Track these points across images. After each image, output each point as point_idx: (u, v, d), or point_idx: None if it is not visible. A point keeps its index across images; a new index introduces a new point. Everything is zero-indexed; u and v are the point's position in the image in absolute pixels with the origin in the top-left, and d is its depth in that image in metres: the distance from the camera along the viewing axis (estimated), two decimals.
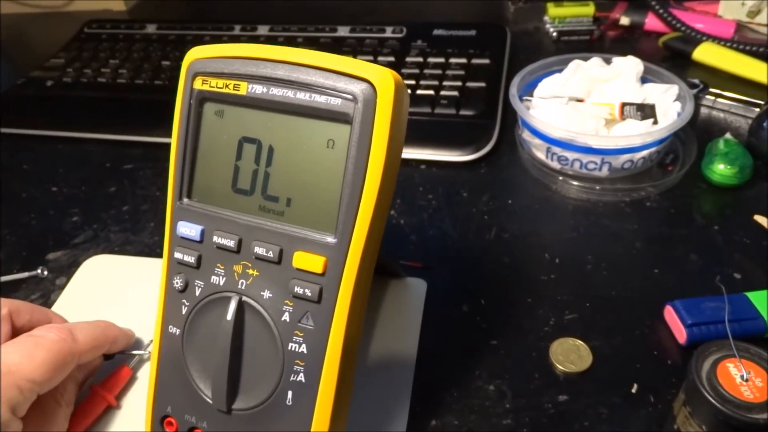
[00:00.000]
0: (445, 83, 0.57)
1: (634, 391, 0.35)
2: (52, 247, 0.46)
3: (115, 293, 0.42)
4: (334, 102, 0.25)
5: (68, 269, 0.44)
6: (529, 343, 0.37)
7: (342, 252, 0.26)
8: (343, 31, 0.66)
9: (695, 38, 0.62)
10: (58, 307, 0.41)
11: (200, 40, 0.68)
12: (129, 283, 0.42)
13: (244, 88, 0.27)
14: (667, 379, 0.35)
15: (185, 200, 0.28)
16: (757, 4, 0.63)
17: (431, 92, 0.56)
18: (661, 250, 0.43)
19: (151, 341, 0.37)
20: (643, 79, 0.51)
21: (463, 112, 0.54)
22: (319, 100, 0.25)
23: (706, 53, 0.60)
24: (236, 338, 0.27)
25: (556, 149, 0.47)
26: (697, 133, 0.50)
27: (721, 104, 0.55)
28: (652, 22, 0.66)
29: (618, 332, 0.38)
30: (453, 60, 0.60)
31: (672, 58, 0.62)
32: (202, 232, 0.28)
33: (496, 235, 0.45)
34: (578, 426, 0.33)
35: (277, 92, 0.26)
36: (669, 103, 0.48)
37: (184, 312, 0.28)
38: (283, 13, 0.79)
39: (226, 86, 0.27)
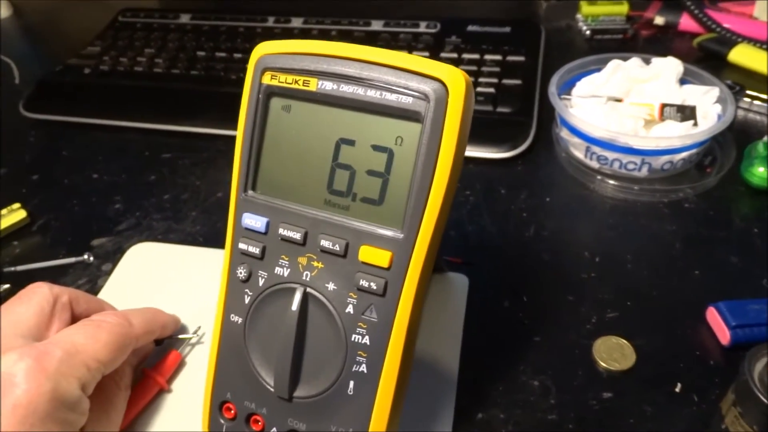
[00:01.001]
0: (480, 80, 0.57)
1: (677, 390, 0.35)
2: (96, 234, 0.47)
3: (161, 280, 0.42)
4: (405, 100, 0.26)
5: (113, 255, 0.45)
6: (571, 340, 0.38)
7: (408, 247, 0.26)
8: (377, 26, 0.67)
9: (731, 39, 0.62)
10: (105, 292, 0.42)
11: (234, 31, 0.68)
12: (174, 271, 0.43)
13: (314, 84, 0.27)
14: (710, 379, 0.35)
15: (250, 192, 0.29)
16: None
17: None
18: (700, 252, 0.43)
19: (199, 327, 0.38)
20: (682, 81, 0.52)
21: (500, 109, 0.54)
22: (390, 98, 0.26)
23: (742, 55, 0.60)
24: (300, 328, 0.28)
25: (595, 148, 0.48)
26: (734, 135, 0.50)
27: (757, 106, 0.55)
28: (686, 23, 0.66)
29: (660, 332, 0.38)
30: (488, 57, 0.60)
31: (706, 60, 0.62)
32: (268, 224, 0.28)
33: (535, 232, 0.45)
34: (624, 423, 0.34)
35: (348, 89, 0.26)
36: (709, 105, 0.49)
37: (247, 301, 0.29)
38: (313, 5, 0.79)
39: (296, 82, 0.27)
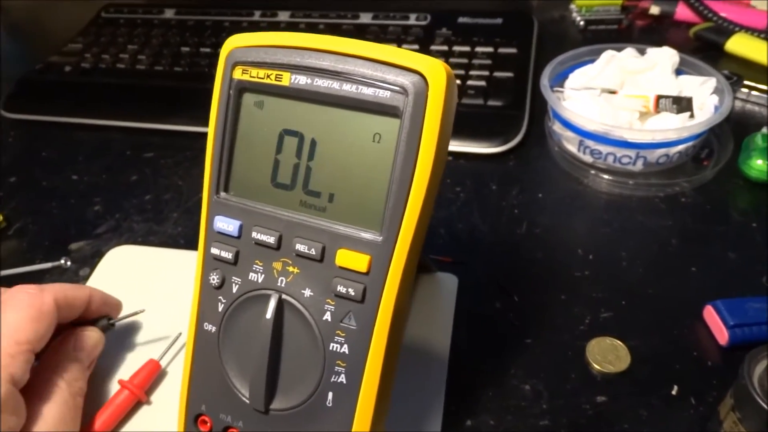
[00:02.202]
0: (471, 72, 0.56)
1: (674, 392, 0.34)
2: (74, 237, 0.46)
3: (139, 284, 0.41)
4: (383, 94, 0.24)
5: (91, 259, 0.44)
6: (564, 341, 0.37)
7: (388, 250, 0.25)
8: (365, 18, 0.65)
9: (728, 29, 0.60)
10: None
11: (219, 26, 0.66)
12: (153, 275, 0.42)
13: (287, 79, 0.26)
14: (708, 381, 0.34)
15: (222, 194, 0.28)
16: None
17: (458, 82, 0.55)
18: (697, 248, 0.42)
19: (180, 334, 0.37)
20: (678, 71, 0.50)
21: (491, 103, 0.53)
22: (367, 92, 0.24)
23: (739, 44, 0.59)
24: (275, 337, 0.26)
25: (589, 142, 0.46)
26: (731, 127, 0.49)
27: (755, 97, 0.54)
28: (682, 12, 0.64)
29: (656, 332, 0.37)
30: (479, 49, 0.59)
31: (703, 49, 0.60)
32: (240, 228, 0.27)
33: (527, 229, 0.44)
34: (618, 428, 0.32)
35: (322, 83, 0.25)
36: (705, 96, 0.47)
37: (220, 309, 0.27)
38: None
39: (268, 76, 0.26)
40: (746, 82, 0.54)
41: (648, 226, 0.44)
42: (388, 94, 0.24)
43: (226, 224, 0.27)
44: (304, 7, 0.68)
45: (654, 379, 0.34)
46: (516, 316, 0.38)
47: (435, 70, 0.24)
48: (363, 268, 0.25)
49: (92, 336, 0.34)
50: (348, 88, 0.25)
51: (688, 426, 0.32)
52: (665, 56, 0.50)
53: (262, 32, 0.27)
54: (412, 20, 0.64)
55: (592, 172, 0.47)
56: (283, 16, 0.67)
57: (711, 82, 0.47)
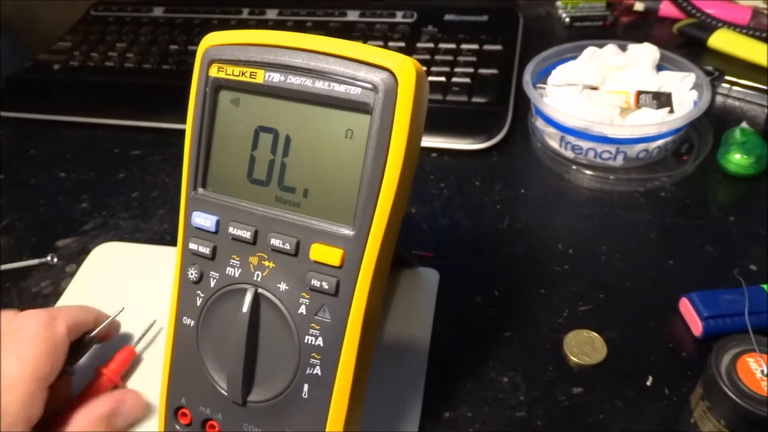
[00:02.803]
0: (456, 70, 0.56)
1: (649, 383, 0.34)
2: (61, 234, 0.46)
3: (126, 281, 0.41)
4: (354, 91, 0.25)
5: (78, 256, 0.44)
6: (543, 334, 0.37)
7: (360, 244, 0.25)
8: (352, 16, 0.65)
9: (711, 25, 0.61)
10: (68, 294, 0.41)
11: (208, 24, 0.67)
12: (139, 271, 0.42)
13: (261, 76, 0.26)
14: (682, 371, 0.35)
15: (200, 190, 0.28)
16: None
17: (443, 79, 0.55)
18: (675, 241, 0.42)
19: (154, 321, 0.37)
20: (659, 67, 0.51)
21: (475, 100, 0.53)
22: (338, 89, 0.25)
23: (721, 40, 0.59)
24: (252, 330, 0.27)
25: (570, 138, 0.47)
26: (712, 122, 0.50)
27: (736, 92, 0.54)
28: (666, 8, 0.65)
29: (632, 324, 0.37)
30: (465, 46, 0.59)
31: (687, 45, 0.61)
32: (218, 223, 0.27)
33: (509, 224, 0.45)
34: (593, 419, 0.33)
35: (295, 81, 0.25)
36: (685, 91, 0.48)
37: (198, 303, 0.28)
38: None
39: (243, 74, 0.26)
40: (728, 77, 0.55)
41: (628, 221, 0.44)
42: (359, 90, 0.25)
43: (204, 219, 0.28)
44: (292, 5, 0.68)
45: (629, 371, 0.35)
46: (496, 310, 0.39)
47: (404, 68, 0.24)
48: (336, 262, 0.25)
49: (136, 405, 0.33)
50: (320, 85, 0.25)
51: (662, 416, 0.33)
52: (646, 52, 0.50)
53: (238, 30, 0.27)
54: (399, 18, 0.64)
55: (574, 167, 0.48)
56: (271, 14, 0.67)
57: (691, 78, 0.48)
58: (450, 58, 0.58)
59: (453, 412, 0.34)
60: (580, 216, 0.45)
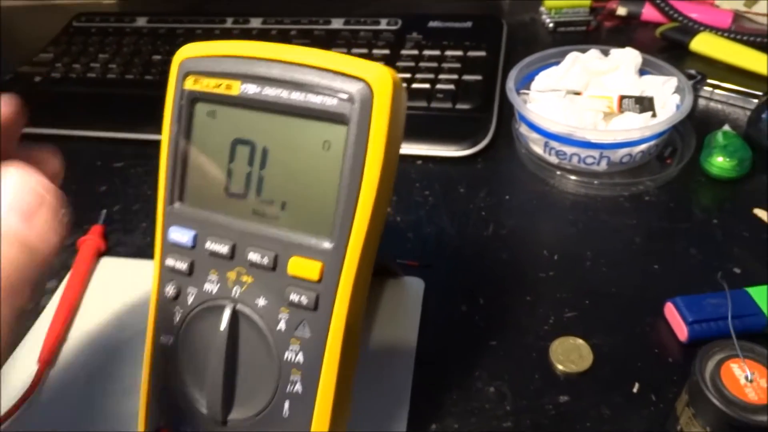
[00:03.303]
0: (441, 76, 0.56)
1: (635, 390, 0.34)
2: None
3: (107, 296, 0.41)
4: (330, 102, 0.24)
5: (59, 272, 0.44)
6: (528, 342, 0.37)
7: (339, 257, 0.25)
8: (337, 24, 0.65)
9: (693, 28, 0.61)
10: (47, 312, 0.40)
11: (192, 34, 0.66)
12: (121, 286, 0.41)
13: (237, 88, 0.26)
14: (668, 377, 0.35)
15: (177, 204, 0.28)
16: None
17: (427, 86, 0.55)
18: (660, 245, 0.42)
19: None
20: (642, 71, 0.51)
21: (459, 106, 0.53)
22: (314, 100, 0.24)
23: (703, 44, 0.59)
24: (231, 348, 0.26)
25: (554, 144, 0.47)
26: (695, 125, 0.50)
27: (719, 95, 0.55)
28: (649, 12, 0.65)
29: (618, 330, 0.37)
30: (449, 53, 0.59)
31: (669, 49, 0.61)
32: (195, 238, 0.27)
33: (493, 231, 0.44)
34: (580, 427, 0.33)
35: (271, 92, 0.25)
36: (668, 95, 0.48)
37: (176, 321, 0.27)
38: (276, 3, 0.77)
39: (218, 86, 0.26)
40: (710, 81, 0.55)
41: (612, 226, 0.44)
42: (335, 101, 0.24)
43: (181, 235, 0.27)
44: (276, 13, 0.68)
45: (616, 378, 0.35)
46: (481, 318, 0.39)
47: (381, 78, 0.24)
48: (315, 276, 0.25)
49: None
50: (296, 97, 0.25)
51: (648, 423, 0.33)
52: (628, 57, 0.50)
53: (214, 42, 0.27)
54: (383, 25, 0.64)
55: (558, 173, 0.48)
56: (255, 22, 0.67)
57: (672, 82, 0.48)
58: (434, 64, 0.58)
59: (439, 424, 0.33)
60: (564, 221, 0.45)
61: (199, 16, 0.69)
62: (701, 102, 0.55)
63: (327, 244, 0.25)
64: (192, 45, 0.27)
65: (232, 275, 0.26)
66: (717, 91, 0.54)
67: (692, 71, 0.55)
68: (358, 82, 0.24)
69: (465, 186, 0.48)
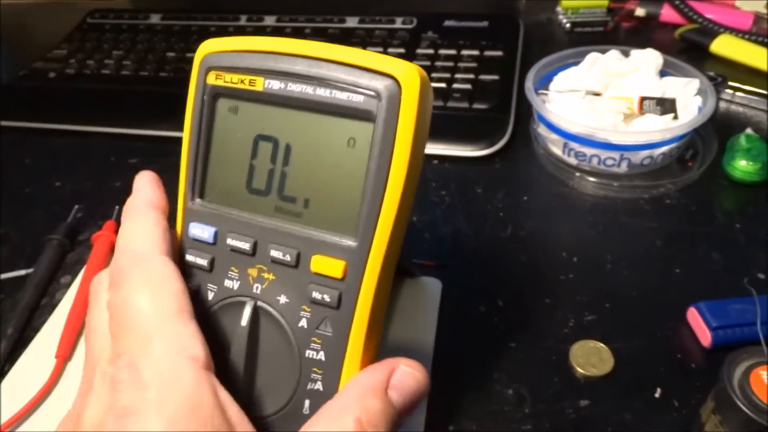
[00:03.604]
0: (457, 76, 0.56)
1: (657, 395, 0.34)
2: None
3: None
4: (357, 99, 0.24)
5: (72, 267, 0.43)
6: (548, 345, 0.36)
7: (362, 256, 0.24)
8: (351, 22, 0.65)
9: (713, 30, 0.60)
10: (62, 307, 0.40)
11: (206, 31, 0.66)
12: None
13: (261, 84, 0.25)
14: (691, 383, 0.34)
15: (198, 200, 0.27)
16: None
17: (443, 85, 0.55)
18: (682, 249, 0.42)
19: None
20: (662, 73, 0.50)
21: (476, 106, 0.53)
22: (340, 96, 0.24)
23: (724, 46, 0.59)
24: (251, 344, 0.26)
25: (573, 145, 0.46)
26: (716, 128, 0.49)
27: (740, 98, 0.54)
28: (668, 13, 0.65)
29: (639, 334, 0.37)
30: (465, 52, 0.58)
31: (689, 51, 0.61)
32: (216, 234, 0.27)
33: (512, 232, 0.44)
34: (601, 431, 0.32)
35: (296, 88, 0.25)
36: (689, 97, 0.47)
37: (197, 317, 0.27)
38: (291, 1, 0.77)
39: (242, 81, 0.26)
40: (731, 83, 0.54)
41: (633, 228, 0.43)
42: (361, 98, 0.24)
43: (201, 231, 0.27)
44: (291, 11, 0.68)
45: (637, 382, 0.34)
46: (500, 320, 0.38)
47: (409, 75, 0.24)
48: (338, 274, 0.25)
49: (414, 375, 0.26)
50: (322, 93, 0.24)
51: (671, 428, 0.32)
52: (649, 58, 0.50)
53: (236, 37, 0.26)
54: (399, 24, 0.64)
55: (578, 174, 0.47)
56: (270, 20, 0.67)
57: (694, 84, 0.47)
58: (450, 64, 0.57)
59: (457, 426, 0.33)
60: (584, 223, 0.44)
61: (212, 13, 0.69)
62: (722, 104, 0.54)
63: (351, 243, 0.25)
64: (214, 40, 0.27)
65: (253, 272, 0.26)
66: (738, 93, 0.54)
67: (712, 73, 0.55)
68: (385, 78, 0.24)
69: (482, 186, 0.48)
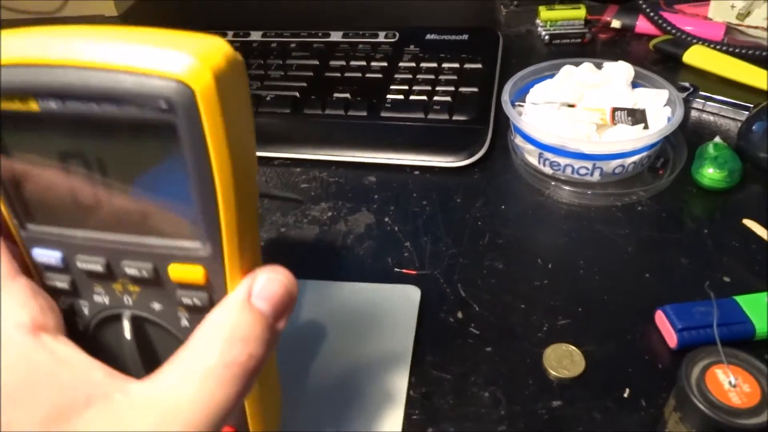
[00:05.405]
0: (438, 88, 0.57)
1: (626, 395, 0.35)
2: None
3: None
4: (150, 114, 0.20)
5: None
6: (523, 349, 0.38)
7: (217, 258, 0.23)
8: (335, 36, 0.67)
9: (685, 41, 0.63)
10: None
11: None
12: None
13: (36, 105, 0.21)
14: (658, 383, 0.35)
15: (30, 225, 0.24)
16: (747, 5, 0.63)
17: (424, 98, 0.56)
18: (652, 255, 0.43)
19: None
20: (634, 84, 0.52)
21: (456, 117, 0.55)
22: (131, 111, 0.20)
23: (695, 56, 0.61)
24: (143, 349, 0.25)
25: (548, 155, 0.48)
26: (687, 137, 0.51)
27: (710, 107, 0.56)
28: (642, 25, 0.67)
29: (610, 337, 0.38)
30: (446, 65, 0.60)
31: (663, 61, 0.63)
32: (63, 259, 0.25)
33: (489, 240, 0.45)
34: (572, 431, 0.34)
35: (78, 106, 0.20)
36: (659, 107, 0.49)
37: (81, 331, 0.26)
38: (276, 16, 0.79)
39: (14, 102, 0.21)
40: (702, 93, 0.56)
41: (605, 235, 0.45)
42: (154, 113, 0.20)
43: (47, 257, 0.25)
44: (276, 26, 0.69)
45: (607, 383, 0.36)
46: (477, 325, 0.40)
47: (198, 75, 0.19)
48: (200, 281, 0.23)
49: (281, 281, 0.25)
50: (109, 109, 0.20)
51: (638, 427, 0.34)
52: (621, 70, 0.51)
53: (6, 33, 0.22)
54: (381, 38, 0.66)
55: (553, 183, 0.49)
56: (256, 35, 0.69)
57: (664, 94, 0.49)
58: (431, 77, 0.59)
59: (435, 428, 0.34)
60: (559, 231, 0.46)
61: (199, 29, 0.70)
62: (693, 113, 0.56)
63: (201, 247, 0.23)
64: None
65: (118, 287, 0.25)
66: (709, 102, 0.55)
67: (685, 83, 0.57)
68: (172, 82, 0.19)
69: (461, 196, 0.49)
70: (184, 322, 0.25)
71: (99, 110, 0.20)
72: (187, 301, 0.24)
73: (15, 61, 0.21)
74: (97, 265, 0.24)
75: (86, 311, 0.26)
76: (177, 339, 0.25)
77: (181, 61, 0.20)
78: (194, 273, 0.23)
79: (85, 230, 0.24)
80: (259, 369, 0.23)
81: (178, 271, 0.23)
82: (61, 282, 0.25)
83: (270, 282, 0.24)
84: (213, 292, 0.24)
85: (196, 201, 0.22)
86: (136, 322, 0.25)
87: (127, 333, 0.25)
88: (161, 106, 0.20)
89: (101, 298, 0.25)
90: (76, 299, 0.26)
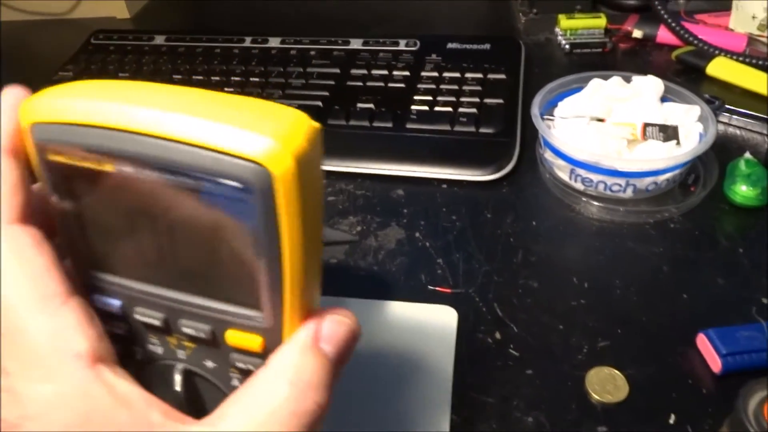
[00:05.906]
0: (462, 99, 0.57)
1: (672, 422, 0.35)
2: None
3: None
4: (227, 192, 0.20)
5: None
6: (564, 371, 0.38)
7: (276, 329, 0.23)
8: (356, 44, 0.66)
9: (708, 52, 0.62)
10: None
11: (210, 53, 0.67)
12: None
13: (111, 166, 0.21)
14: (704, 409, 0.35)
15: (92, 272, 0.25)
16: None
17: (449, 109, 0.56)
18: (687, 274, 0.43)
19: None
20: (663, 98, 0.52)
21: (482, 130, 0.54)
22: (207, 186, 0.20)
23: (719, 68, 0.60)
24: (192, 402, 0.25)
25: (580, 171, 0.47)
26: (715, 152, 0.51)
27: (737, 121, 0.56)
28: (664, 35, 0.66)
29: (651, 360, 0.38)
30: (469, 75, 0.60)
31: (685, 72, 0.62)
32: (122, 308, 0.25)
33: (522, 257, 0.45)
34: None
35: (153, 175, 0.21)
36: (691, 123, 0.49)
37: (131, 371, 0.26)
38: (294, 23, 0.78)
39: (89, 161, 0.21)
40: (728, 106, 0.56)
41: (639, 253, 0.45)
42: (231, 191, 0.20)
43: (106, 304, 0.25)
44: (295, 33, 0.68)
45: (652, 408, 0.35)
46: (516, 346, 0.39)
47: (278, 159, 0.19)
48: (257, 349, 0.23)
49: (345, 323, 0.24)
50: (185, 181, 0.20)
51: None
52: (650, 84, 0.51)
53: (64, 90, 0.22)
54: (402, 46, 0.65)
55: (584, 199, 0.48)
56: (274, 42, 0.68)
57: (695, 111, 0.49)
58: (455, 87, 0.58)
59: None
60: (592, 248, 0.46)
61: (217, 35, 0.70)
62: (720, 127, 0.55)
63: (261, 318, 0.23)
64: (40, 101, 0.22)
65: (173, 341, 0.25)
66: (734, 117, 0.55)
67: (709, 96, 0.56)
68: (251, 165, 0.19)
69: (491, 211, 0.49)
70: (235, 382, 0.25)
71: (174, 180, 0.21)
72: (240, 365, 0.24)
73: (96, 124, 0.21)
74: (155, 320, 0.24)
75: (138, 356, 0.26)
76: (224, 393, 0.25)
77: (262, 143, 0.19)
78: (252, 342, 0.23)
79: (145, 284, 0.24)
80: (323, 417, 0.23)
81: (235, 338, 0.23)
82: (118, 329, 0.25)
83: (335, 325, 0.24)
84: (269, 356, 0.24)
85: (262, 276, 0.22)
86: (187, 374, 0.25)
87: (178, 386, 0.25)
88: (238, 186, 0.20)
89: (155, 348, 0.26)
90: (129, 345, 0.26)
